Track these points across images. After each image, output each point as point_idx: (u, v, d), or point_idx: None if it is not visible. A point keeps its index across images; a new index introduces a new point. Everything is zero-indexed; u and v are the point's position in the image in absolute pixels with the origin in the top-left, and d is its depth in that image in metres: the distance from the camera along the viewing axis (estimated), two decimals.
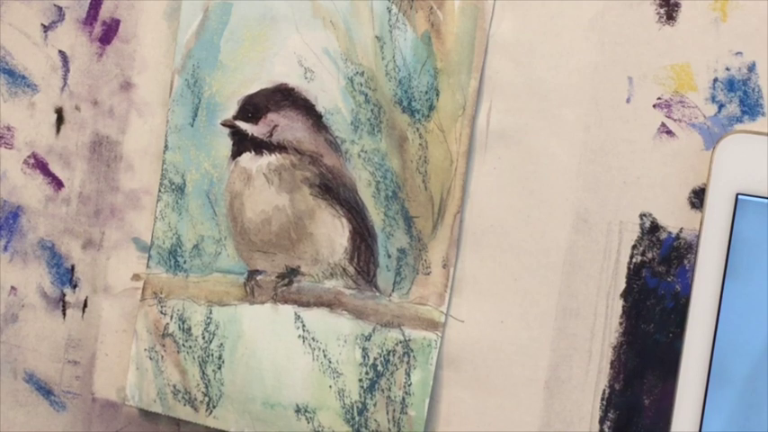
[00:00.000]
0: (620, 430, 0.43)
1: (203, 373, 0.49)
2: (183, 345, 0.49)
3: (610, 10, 0.43)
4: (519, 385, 0.45)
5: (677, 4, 0.42)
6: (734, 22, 0.41)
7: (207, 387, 0.49)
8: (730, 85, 0.41)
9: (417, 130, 0.45)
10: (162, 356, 0.49)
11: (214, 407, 0.49)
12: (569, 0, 0.43)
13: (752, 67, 0.41)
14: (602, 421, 0.44)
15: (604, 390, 0.44)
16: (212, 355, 0.49)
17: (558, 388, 0.44)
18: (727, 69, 0.41)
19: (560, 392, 0.44)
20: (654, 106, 0.42)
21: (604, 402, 0.44)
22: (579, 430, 0.44)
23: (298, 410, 0.47)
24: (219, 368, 0.48)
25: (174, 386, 0.49)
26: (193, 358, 0.49)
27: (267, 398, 0.48)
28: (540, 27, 0.44)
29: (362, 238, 0.46)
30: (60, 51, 0.51)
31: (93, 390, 0.51)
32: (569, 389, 0.44)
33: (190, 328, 0.49)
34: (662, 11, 0.42)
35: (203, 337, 0.49)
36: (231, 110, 0.48)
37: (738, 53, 0.41)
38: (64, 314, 0.51)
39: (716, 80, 0.41)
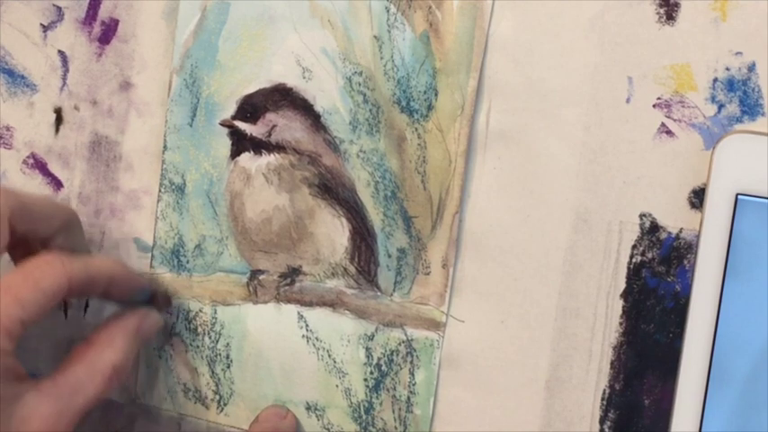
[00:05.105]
0: (620, 430, 0.43)
1: (213, 371, 0.49)
2: (191, 344, 0.49)
3: (610, 10, 0.42)
4: (519, 385, 0.45)
5: (677, 4, 0.41)
6: (734, 22, 0.41)
7: (217, 385, 0.49)
8: (730, 85, 0.41)
9: (416, 129, 0.45)
10: (171, 355, 0.49)
11: (225, 404, 0.49)
12: (569, 0, 0.43)
13: (752, 67, 0.41)
14: (602, 421, 0.44)
15: (604, 390, 0.44)
16: (220, 354, 0.49)
17: (559, 388, 0.44)
18: (727, 69, 0.41)
19: (560, 392, 0.44)
20: (654, 106, 0.42)
21: (604, 402, 0.44)
22: (579, 430, 0.44)
23: (308, 408, 0.48)
24: (228, 367, 0.49)
25: (185, 384, 0.49)
26: (202, 357, 0.49)
27: (279, 395, 0.48)
28: (540, 27, 0.43)
29: (362, 237, 0.46)
30: (60, 51, 0.50)
31: None
32: (569, 389, 0.44)
33: (196, 328, 0.49)
34: (662, 11, 0.42)
35: (210, 337, 0.49)
36: (230, 110, 0.47)
37: (738, 53, 0.41)
38: (66, 314, 0.51)
39: (716, 80, 0.41)
